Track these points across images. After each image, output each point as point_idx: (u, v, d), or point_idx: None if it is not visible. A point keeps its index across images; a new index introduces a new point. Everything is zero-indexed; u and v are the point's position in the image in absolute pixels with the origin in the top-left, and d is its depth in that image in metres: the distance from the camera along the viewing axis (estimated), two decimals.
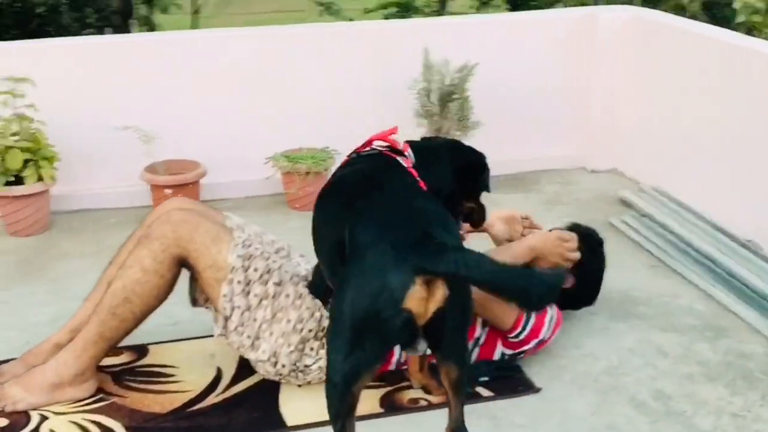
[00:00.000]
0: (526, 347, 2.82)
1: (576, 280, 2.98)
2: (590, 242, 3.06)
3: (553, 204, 4.40)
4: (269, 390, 2.76)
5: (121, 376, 2.86)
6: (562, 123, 4.83)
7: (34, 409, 2.65)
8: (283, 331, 2.67)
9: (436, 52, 4.35)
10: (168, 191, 4.06)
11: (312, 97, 4.49)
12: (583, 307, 3.14)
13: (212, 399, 2.73)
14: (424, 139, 2.83)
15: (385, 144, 2.59)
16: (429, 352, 2.19)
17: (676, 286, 3.45)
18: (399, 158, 2.54)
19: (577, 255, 2.91)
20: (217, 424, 2.61)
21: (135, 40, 4.57)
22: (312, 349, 2.70)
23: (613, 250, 3.75)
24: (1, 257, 3.84)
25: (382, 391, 2.75)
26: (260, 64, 4.45)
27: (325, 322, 2.69)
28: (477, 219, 2.78)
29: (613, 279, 3.45)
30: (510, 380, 2.80)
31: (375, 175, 2.43)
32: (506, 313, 2.76)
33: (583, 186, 4.66)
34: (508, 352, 2.84)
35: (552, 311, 2.86)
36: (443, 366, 2.16)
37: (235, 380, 2.83)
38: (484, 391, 2.76)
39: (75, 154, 4.22)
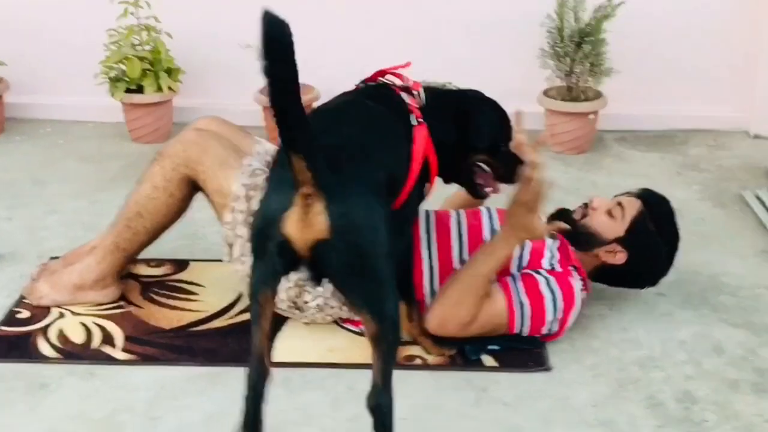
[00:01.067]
0: (538, 335, 2.55)
1: (628, 254, 2.62)
2: (655, 212, 2.67)
3: (688, 169, 3.91)
4: (274, 324, 2.67)
5: (150, 288, 2.91)
6: (720, 77, 4.25)
7: (58, 306, 2.77)
8: None
9: None
10: None
11: (433, 28, 4.27)
12: (643, 288, 2.76)
13: (216, 323, 2.71)
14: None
15: (394, 78, 2.38)
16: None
17: None
18: (404, 94, 2.34)
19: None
20: (206, 347, 2.59)
21: None
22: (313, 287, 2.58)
23: (725, 227, 3.34)
24: (118, 160, 4.02)
25: None
26: None
27: None
28: (502, 176, 2.47)
29: (708, 259, 3.06)
30: (523, 353, 2.53)
31: (355, 107, 2.26)
32: (494, 329, 2.51)
33: (734, 152, 4.09)
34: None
35: (554, 299, 2.50)
36: (359, 315, 1.98)
37: (248, 309, 2.78)
38: (488, 360, 2.52)
39: (198, 68, 4.30)
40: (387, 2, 4.29)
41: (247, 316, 2.68)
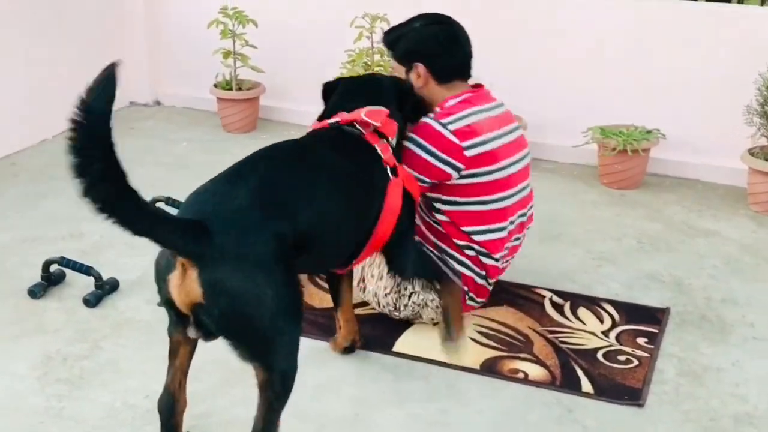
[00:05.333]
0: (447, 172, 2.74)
1: (419, 62, 2.80)
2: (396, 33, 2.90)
3: None
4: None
5: None
6: None
7: None
8: (381, 274, 2.88)
9: None
10: None
11: (652, 75, 4.35)
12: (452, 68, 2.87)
13: (359, 310, 3.03)
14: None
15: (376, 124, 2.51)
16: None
17: None
18: (379, 144, 2.48)
19: None
20: None
21: None
22: (406, 288, 2.86)
23: None
24: None
25: (494, 353, 2.81)
26: (610, 34, 4.41)
27: None
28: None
29: None
30: (619, 386, 2.63)
31: (307, 153, 2.36)
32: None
33: None
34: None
35: (418, 144, 2.73)
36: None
37: None
38: (586, 384, 2.64)
39: None
40: (611, 46, 4.42)
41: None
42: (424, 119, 2.75)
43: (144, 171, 4.25)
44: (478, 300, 2.95)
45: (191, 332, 2.04)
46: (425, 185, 2.73)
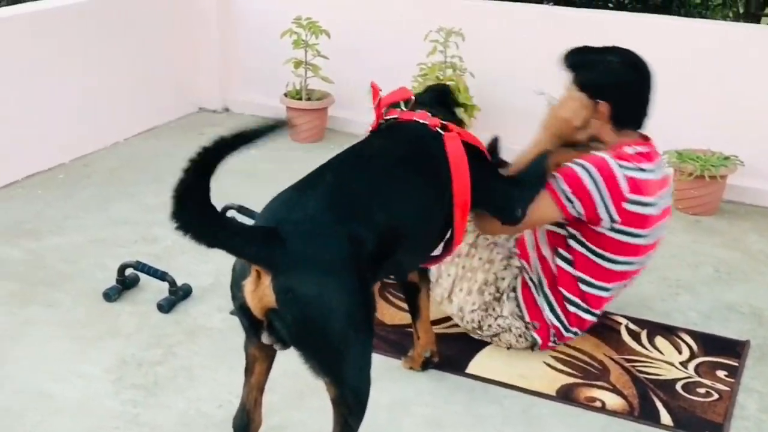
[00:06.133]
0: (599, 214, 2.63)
1: (605, 100, 2.66)
2: (577, 59, 2.76)
3: None
4: (482, 340, 2.94)
5: (388, 288, 3.29)
6: None
7: None
8: (470, 289, 2.84)
9: None
10: None
11: (730, 100, 4.26)
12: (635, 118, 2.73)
13: (435, 328, 2.98)
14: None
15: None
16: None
17: None
18: (415, 117, 2.44)
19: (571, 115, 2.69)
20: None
21: (563, 14, 4.73)
22: (494, 309, 2.82)
23: None
24: None
25: (570, 380, 2.75)
26: (685, 57, 4.33)
27: (501, 285, 2.81)
28: None
29: None
30: (700, 419, 2.56)
31: (367, 153, 2.35)
32: (543, 215, 2.64)
33: None
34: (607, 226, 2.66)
35: (588, 172, 2.60)
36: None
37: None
38: (664, 415, 2.58)
39: (494, 108, 4.66)
40: (686, 69, 4.34)
41: (455, 329, 3.00)
42: (601, 153, 2.64)
43: (213, 178, 4.28)
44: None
45: (265, 338, 2.04)
46: (571, 212, 2.63)
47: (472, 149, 2.42)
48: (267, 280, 1.93)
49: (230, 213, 3.67)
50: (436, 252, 2.46)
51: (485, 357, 2.87)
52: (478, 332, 2.88)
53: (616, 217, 2.61)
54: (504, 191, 2.53)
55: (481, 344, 2.92)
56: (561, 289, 2.76)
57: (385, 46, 4.97)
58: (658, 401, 2.65)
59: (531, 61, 4.64)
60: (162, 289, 3.13)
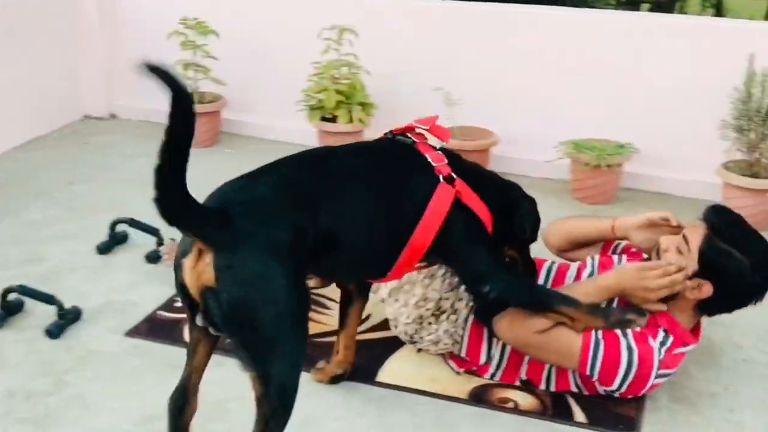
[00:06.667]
0: (611, 388, 2.52)
1: (712, 283, 2.48)
2: (719, 227, 2.50)
3: None
4: (391, 345, 2.86)
5: None
6: None
7: None
8: (406, 302, 2.75)
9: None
10: None
11: (621, 89, 4.31)
12: (750, 303, 2.56)
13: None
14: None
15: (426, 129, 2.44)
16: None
17: None
18: (430, 154, 2.35)
19: (661, 291, 2.43)
20: (322, 358, 2.80)
21: (459, 6, 4.73)
22: (430, 323, 2.73)
23: None
24: None
25: (481, 381, 2.70)
26: (573, 47, 4.37)
27: (444, 305, 2.71)
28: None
29: None
30: (614, 415, 2.54)
31: (332, 157, 2.31)
32: (562, 356, 2.49)
33: None
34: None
35: (630, 354, 2.43)
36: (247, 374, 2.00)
37: (375, 328, 2.99)
38: (579, 414, 2.55)
39: (390, 105, 4.59)
40: (580, 60, 4.37)
41: (373, 335, 2.93)
42: (654, 342, 2.46)
43: (101, 188, 4.09)
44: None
45: (199, 320, 2.01)
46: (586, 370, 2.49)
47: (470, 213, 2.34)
48: (208, 258, 1.91)
49: (120, 227, 3.49)
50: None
51: (395, 362, 2.79)
52: (413, 344, 2.80)
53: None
54: (482, 262, 2.37)
55: (389, 349, 2.84)
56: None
57: (278, 45, 4.84)
58: (570, 398, 2.62)
59: (427, 56, 4.61)
60: (50, 313, 2.92)
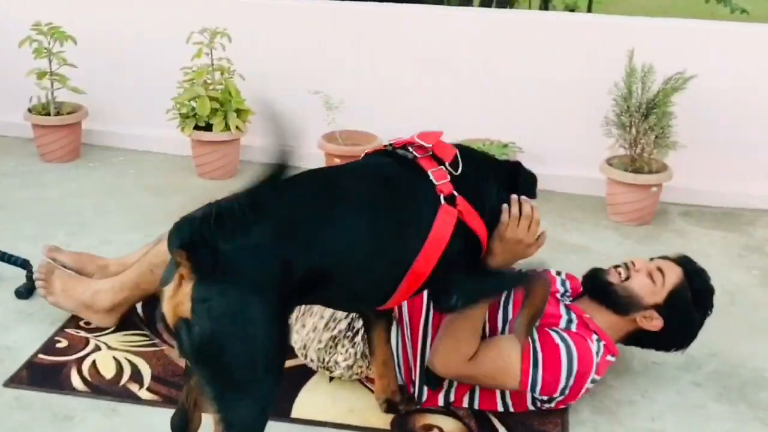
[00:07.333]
0: (553, 396, 2.47)
1: (664, 322, 2.56)
2: (695, 284, 2.60)
3: (750, 251, 3.78)
4: (300, 376, 2.70)
5: None
6: None
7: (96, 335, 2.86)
8: (315, 326, 2.60)
9: (648, 57, 3.90)
10: (338, 161, 4.10)
11: (504, 88, 4.28)
12: (672, 351, 2.70)
13: None
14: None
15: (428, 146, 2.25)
16: None
17: None
18: (433, 170, 2.20)
19: (531, 232, 2.36)
20: None
21: (334, 6, 4.62)
22: (343, 346, 2.59)
23: None
24: (182, 194, 4.13)
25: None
26: (455, 47, 4.31)
27: (357, 324, 2.58)
28: None
29: (755, 352, 2.95)
30: (540, 429, 2.49)
31: (332, 182, 2.15)
32: (501, 372, 2.43)
33: None
34: (538, 397, 2.50)
35: (570, 358, 2.41)
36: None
37: None
38: (501, 429, 2.49)
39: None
40: (460, 59, 4.31)
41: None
42: (591, 345, 2.47)
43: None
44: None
45: (174, 354, 1.96)
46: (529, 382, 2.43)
47: (467, 231, 2.18)
48: (187, 288, 1.80)
49: None
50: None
51: (309, 393, 2.63)
52: (326, 372, 2.64)
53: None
54: (465, 282, 2.24)
55: (299, 380, 2.67)
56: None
57: (143, 51, 4.55)
58: (494, 418, 2.54)
59: (305, 59, 4.44)
60: None
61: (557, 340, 2.43)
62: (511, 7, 8.88)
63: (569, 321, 2.53)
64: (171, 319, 1.84)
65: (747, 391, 2.74)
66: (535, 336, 2.42)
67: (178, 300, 1.82)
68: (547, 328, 2.47)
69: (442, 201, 2.16)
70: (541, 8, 9.37)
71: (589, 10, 10.99)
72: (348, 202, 2.06)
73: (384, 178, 2.17)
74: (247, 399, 1.85)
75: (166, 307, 1.85)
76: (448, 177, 2.21)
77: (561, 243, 3.75)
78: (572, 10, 9.40)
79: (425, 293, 2.51)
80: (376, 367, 2.52)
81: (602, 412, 2.60)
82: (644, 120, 3.88)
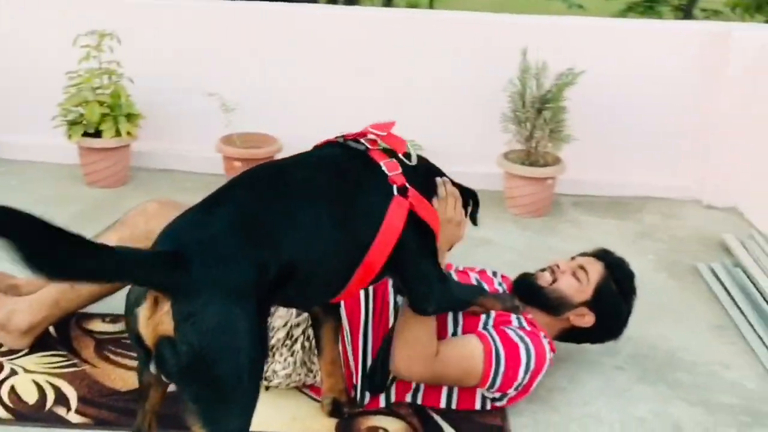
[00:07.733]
0: (507, 392, 2.53)
1: (595, 316, 2.67)
2: (616, 274, 2.72)
3: (643, 237, 3.98)
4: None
5: (104, 345, 2.84)
6: (675, 149, 4.37)
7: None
8: None
9: (541, 54, 4.03)
10: (237, 164, 4.02)
11: (401, 87, 4.32)
12: (607, 341, 2.81)
13: (174, 387, 2.63)
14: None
15: (381, 136, 2.25)
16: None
17: (733, 356, 3.00)
18: (385, 161, 2.20)
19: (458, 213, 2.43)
20: (163, 413, 2.51)
21: (225, 6, 4.54)
22: (282, 355, 2.55)
23: (680, 300, 3.39)
24: (72, 204, 3.95)
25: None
26: (353, 46, 4.32)
27: (296, 332, 2.54)
28: None
29: (663, 333, 3.11)
30: (481, 425, 2.53)
31: (288, 176, 2.09)
32: (466, 373, 2.47)
33: (688, 222, 4.18)
34: (490, 395, 2.55)
35: (528, 355, 2.48)
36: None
37: None
38: (447, 429, 2.51)
39: (161, 114, 4.27)
40: (356, 59, 4.32)
41: None
42: (544, 341, 2.56)
43: None
44: None
45: (152, 368, 1.83)
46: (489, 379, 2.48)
47: (419, 221, 2.18)
48: (166, 307, 1.74)
49: None
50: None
51: None
52: (263, 382, 2.57)
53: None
54: (430, 279, 2.28)
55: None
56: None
57: (23, 55, 4.30)
58: (436, 416, 2.57)
59: (198, 60, 4.34)
60: None
61: (515, 338, 2.48)
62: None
63: (519, 320, 2.58)
64: (151, 340, 1.77)
65: (665, 372, 2.89)
66: (495, 336, 2.47)
67: (157, 320, 1.75)
68: (503, 327, 2.52)
69: (395, 192, 2.16)
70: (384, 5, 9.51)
71: (431, 7, 11.25)
72: (305, 194, 2.03)
73: (337, 169, 2.15)
74: (235, 410, 1.81)
75: (145, 328, 1.78)
76: (400, 168, 2.22)
77: (466, 237, 3.82)
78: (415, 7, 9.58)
79: (366, 292, 2.55)
80: (324, 366, 2.49)
81: (536, 400, 2.67)
82: (539, 115, 4.01)
